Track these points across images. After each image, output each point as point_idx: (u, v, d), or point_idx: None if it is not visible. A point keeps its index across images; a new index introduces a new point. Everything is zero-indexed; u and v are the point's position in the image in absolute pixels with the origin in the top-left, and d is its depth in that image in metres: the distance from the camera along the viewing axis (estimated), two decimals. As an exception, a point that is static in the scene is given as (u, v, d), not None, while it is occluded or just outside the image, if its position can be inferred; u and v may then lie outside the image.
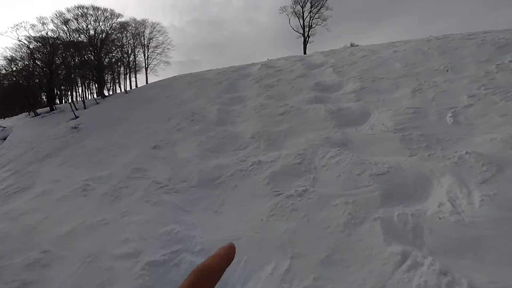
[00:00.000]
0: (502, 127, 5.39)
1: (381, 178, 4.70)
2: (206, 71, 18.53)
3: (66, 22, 17.33)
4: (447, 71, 8.72)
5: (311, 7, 25.49)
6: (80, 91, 26.20)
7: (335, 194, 4.61)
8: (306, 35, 25.99)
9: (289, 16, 26.39)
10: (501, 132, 5.18)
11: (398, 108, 7.05)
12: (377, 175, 4.78)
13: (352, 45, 31.28)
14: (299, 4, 25.66)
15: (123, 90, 22.35)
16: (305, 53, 25.16)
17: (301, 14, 25.99)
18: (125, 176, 6.58)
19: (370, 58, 11.73)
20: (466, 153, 4.73)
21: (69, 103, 14.96)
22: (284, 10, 26.53)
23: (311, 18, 25.77)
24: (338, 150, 5.84)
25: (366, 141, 6.18)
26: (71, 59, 19.92)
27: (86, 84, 22.44)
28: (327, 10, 25.55)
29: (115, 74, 23.75)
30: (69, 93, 29.64)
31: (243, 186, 5.44)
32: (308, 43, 26.15)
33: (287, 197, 4.74)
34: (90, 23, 17.53)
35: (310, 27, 25.95)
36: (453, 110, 6.43)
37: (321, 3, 25.28)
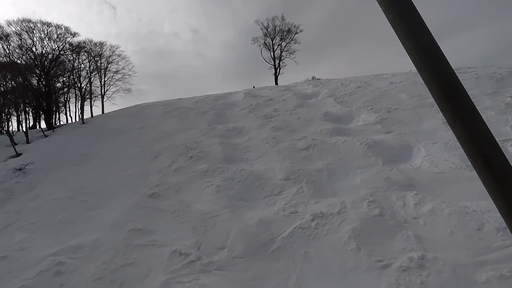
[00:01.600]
0: None
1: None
2: (177, 99, 16.75)
3: (5, 37, 14.13)
4: (461, 102, 8.55)
5: (280, 40, 25.95)
6: (15, 120, 21.72)
7: (469, 261, 3.34)
8: (277, 66, 26.13)
9: (261, 47, 26.50)
10: None
11: (446, 141, 6.34)
12: (503, 229, 3.69)
13: (313, 78, 32.53)
14: (269, 37, 25.97)
15: (77, 120, 18.91)
16: (276, 83, 25.09)
17: (272, 47, 26.25)
18: (122, 244, 4.46)
19: (368, 89, 11.44)
20: None
21: (7, 134, 11.58)
22: (256, 41, 26.59)
23: (281, 51, 26.21)
24: (416, 195, 4.70)
25: (437, 180, 5.18)
26: (5, 82, 16.32)
27: (24, 112, 18.50)
28: (295, 43, 26.34)
29: (61, 100, 20.16)
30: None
31: (318, 254, 3.86)
32: (279, 75, 26.27)
33: (404, 270, 3.31)
34: (38, 41, 14.61)
35: (280, 59, 26.27)
36: (510, 143, 5.91)
37: (290, 37, 25.95)
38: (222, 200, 5.44)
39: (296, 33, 26.19)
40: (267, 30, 25.85)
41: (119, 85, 22.41)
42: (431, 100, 9.12)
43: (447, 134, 6.79)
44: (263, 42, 26.21)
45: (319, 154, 6.81)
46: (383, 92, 10.71)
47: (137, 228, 4.82)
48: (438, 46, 0.42)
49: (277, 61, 26.34)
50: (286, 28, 25.69)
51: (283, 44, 26.10)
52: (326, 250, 3.87)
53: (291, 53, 26.68)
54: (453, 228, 3.86)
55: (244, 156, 7.53)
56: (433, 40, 0.41)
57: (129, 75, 22.85)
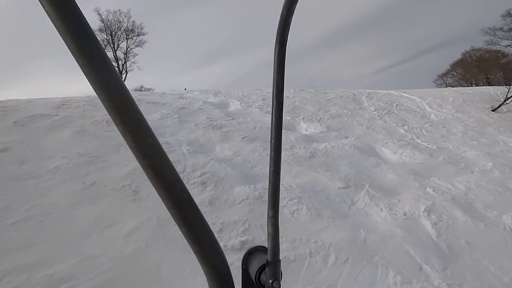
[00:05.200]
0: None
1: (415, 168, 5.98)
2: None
3: None
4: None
5: (126, 40, 21.13)
6: None
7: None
8: (121, 69, 20.92)
9: (104, 43, 20.16)
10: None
11: (315, 119, 8.71)
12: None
13: (142, 87, 30.11)
14: (108, 32, 20.24)
15: None
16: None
17: (112, 45, 20.78)
18: None
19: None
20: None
21: None
22: (97, 35, 19.87)
23: (126, 52, 21.39)
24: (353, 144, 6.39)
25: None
26: None
27: None
28: (137, 46, 22.30)
29: None
30: None
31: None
32: (125, 80, 21.28)
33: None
34: None
35: (125, 61, 21.39)
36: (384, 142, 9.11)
37: (132, 37, 21.72)
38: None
39: (139, 35, 22.93)
40: (104, 23, 20.76)
41: None
42: (323, 111, 11.73)
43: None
44: (105, 37, 20.67)
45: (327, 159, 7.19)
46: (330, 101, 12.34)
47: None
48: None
49: (120, 63, 21.70)
50: (130, 27, 21.83)
51: (127, 44, 22.01)
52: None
53: (132, 56, 23.01)
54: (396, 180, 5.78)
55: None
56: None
57: None
